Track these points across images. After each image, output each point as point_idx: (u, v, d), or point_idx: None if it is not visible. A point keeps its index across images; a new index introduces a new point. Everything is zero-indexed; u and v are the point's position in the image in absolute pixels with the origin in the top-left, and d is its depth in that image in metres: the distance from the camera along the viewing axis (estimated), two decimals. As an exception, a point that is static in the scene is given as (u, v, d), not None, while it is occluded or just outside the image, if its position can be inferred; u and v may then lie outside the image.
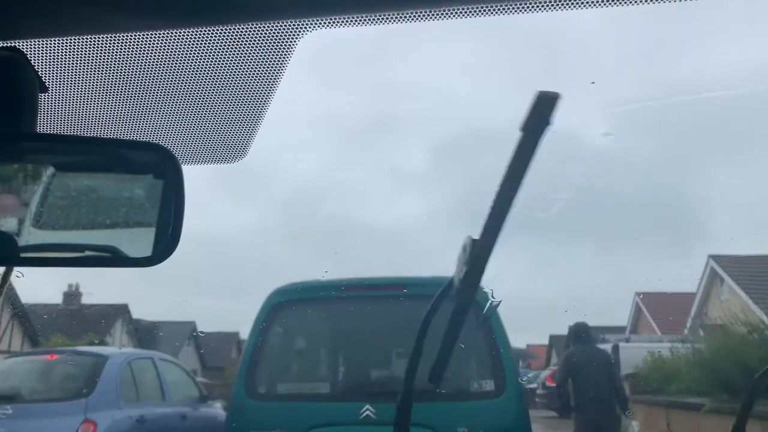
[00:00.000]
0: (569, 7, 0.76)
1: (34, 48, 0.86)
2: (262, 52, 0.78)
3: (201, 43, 0.79)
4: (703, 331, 13.86)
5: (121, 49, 0.84)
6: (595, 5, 0.74)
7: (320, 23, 0.74)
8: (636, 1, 0.71)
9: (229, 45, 0.79)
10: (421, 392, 4.94)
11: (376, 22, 0.75)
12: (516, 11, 0.77)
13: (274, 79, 0.84)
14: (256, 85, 0.86)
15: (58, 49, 0.86)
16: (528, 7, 0.75)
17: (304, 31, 0.76)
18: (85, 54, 0.86)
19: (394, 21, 0.76)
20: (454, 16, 0.76)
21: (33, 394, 6.25)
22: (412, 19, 0.76)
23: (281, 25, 0.74)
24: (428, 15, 0.76)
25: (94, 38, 0.82)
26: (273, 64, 0.81)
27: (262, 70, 0.83)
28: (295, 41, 0.78)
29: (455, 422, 3.95)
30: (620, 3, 0.72)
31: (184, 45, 0.80)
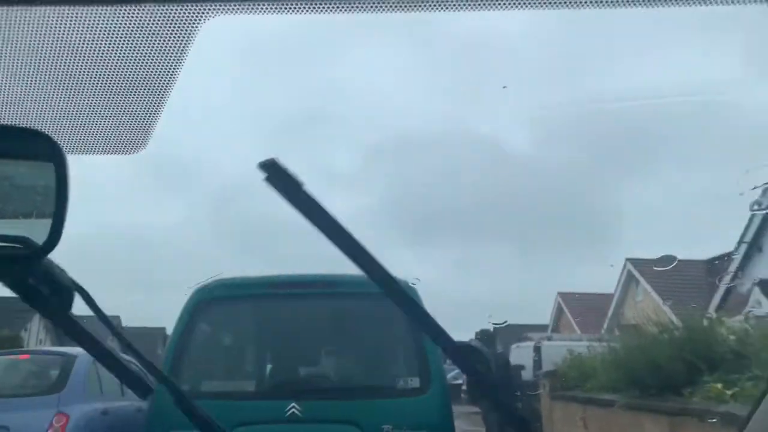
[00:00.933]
0: (495, 8, 0.76)
1: None
2: (160, 37, 0.74)
3: (94, 24, 0.74)
4: (619, 330, 14.53)
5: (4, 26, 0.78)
6: (520, 6, 0.75)
7: (224, 9, 0.71)
8: (558, 4, 0.73)
9: (124, 28, 0.74)
10: (347, 389, 4.95)
11: (291, 11, 0.74)
12: (443, 8, 0.77)
13: (174, 67, 0.80)
14: (155, 72, 0.81)
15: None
16: (455, 5, 0.75)
17: (206, 15, 0.73)
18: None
19: (309, 11, 0.75)
20: (367, 9, 0.75)
21: (9, 389, 6.92)
22: (323, 11, 0.75)
23: (182, 9, 0.71)
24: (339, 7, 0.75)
25: None
26: (173, 50, 0.76)
27: (161, 57, 0.78)
28: (196, 26, 0.74)
29: (381, 419, 3.98)
30: (547, 6, 0.73)
31: (76, 25, 0.75)
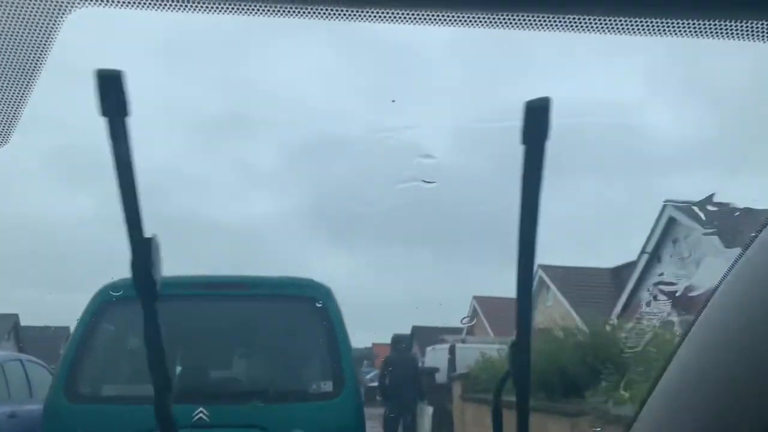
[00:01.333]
0: (421, 22, 0.76)
1: None
2: (22, 25, 0.67)
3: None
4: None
5: None
6: (447, 23, 0.75)
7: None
8: (481, 24, 0.74)
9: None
10: (257, 393, 4.86)
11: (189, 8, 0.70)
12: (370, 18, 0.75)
13: (38, 57, 0.73)
14: (13, 62, 0.74)
15: None
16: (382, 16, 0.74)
17: (71, 6, 0.67)
18: None
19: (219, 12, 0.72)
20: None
21: None
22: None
23: None
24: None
25: None
26: (35, 39, 0.69)
27: (24, 44, 0.71)
28: (60, 17, 0.68)
29: (291, 424, 3.94)
30: (471, 25, 0.74)
31: None
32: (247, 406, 3.98)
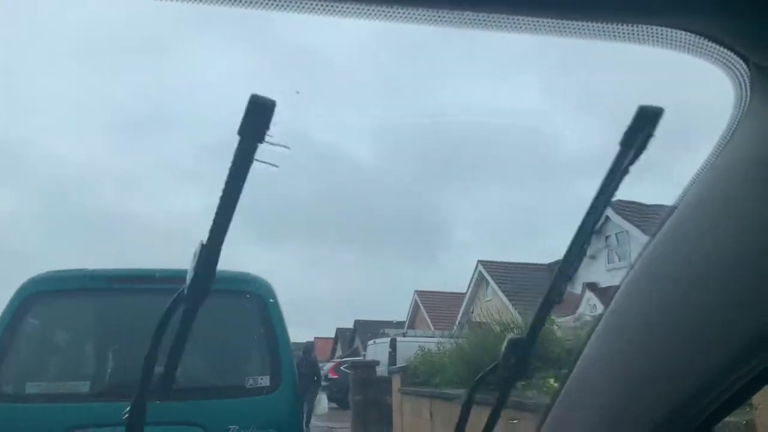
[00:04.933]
0: (335, 13, 0.76)
1: None
2: None
3: None
4: (467, 328, 15.35)
5: None
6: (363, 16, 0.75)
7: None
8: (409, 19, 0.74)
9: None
10: (192, 389, 4.77)
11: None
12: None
13: None
14: None
15: None
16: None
17: None
18: None
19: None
20: None
21: None
22: None
23: None
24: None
25: None
26: None
27: None
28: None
29: (227, 420, 3.89)
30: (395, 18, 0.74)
31: None
32: (182, 403, 3.91)
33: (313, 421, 17.47)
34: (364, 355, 20.03)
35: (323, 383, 20.59)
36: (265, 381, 4.15)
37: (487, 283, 24.54)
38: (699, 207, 0.72)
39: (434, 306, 29.55)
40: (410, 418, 10.05)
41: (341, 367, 20.50)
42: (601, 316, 0.95)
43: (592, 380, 0.93)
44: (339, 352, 36.68)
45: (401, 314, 31.84)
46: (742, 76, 0.62)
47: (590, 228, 0.93)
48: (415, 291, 31.24)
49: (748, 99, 0.63)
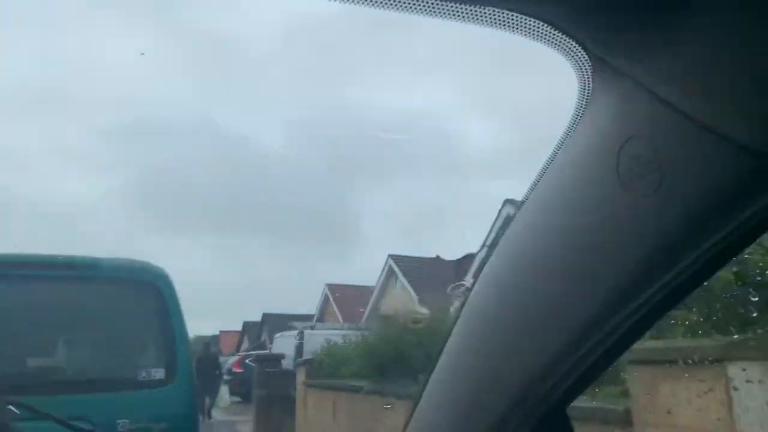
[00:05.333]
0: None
1: None
2: None
3: None
4: (376, 321, 15.51)
5: None
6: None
7: None
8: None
9: None
10: (81, 383, 4.52)
11: None
12: None
13: None
14: None
15: None
16: None
17: None
18: None
19: None
20: None
21: None
22: None
23: None
24: None
25: None
26: None
27: None
28: None
29: (116, 414, 3.73)
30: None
31: None
32: (68, 397, 3.69)
33: (215, 415, 17.10)
34: (271, 348, 19.76)
35: (226, 377, 20.21)
36: (159, 374, 4.01)
37: (397, 276, 24.86)
38: (546, 200, 0.73)
39: (344, 299, 29.60)
40: (313, 410, 10.03)
41: (246, 361, 20.12)
42: (461, 308, 0.97)
43: (447, 376, 0.94)
44: (246, 345, 36.02)
45: (311, 308, 31.69)
46: (584, 66, 0.62)
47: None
48: (326, 284, 31.16)
49: (591, 90, 0.64)
